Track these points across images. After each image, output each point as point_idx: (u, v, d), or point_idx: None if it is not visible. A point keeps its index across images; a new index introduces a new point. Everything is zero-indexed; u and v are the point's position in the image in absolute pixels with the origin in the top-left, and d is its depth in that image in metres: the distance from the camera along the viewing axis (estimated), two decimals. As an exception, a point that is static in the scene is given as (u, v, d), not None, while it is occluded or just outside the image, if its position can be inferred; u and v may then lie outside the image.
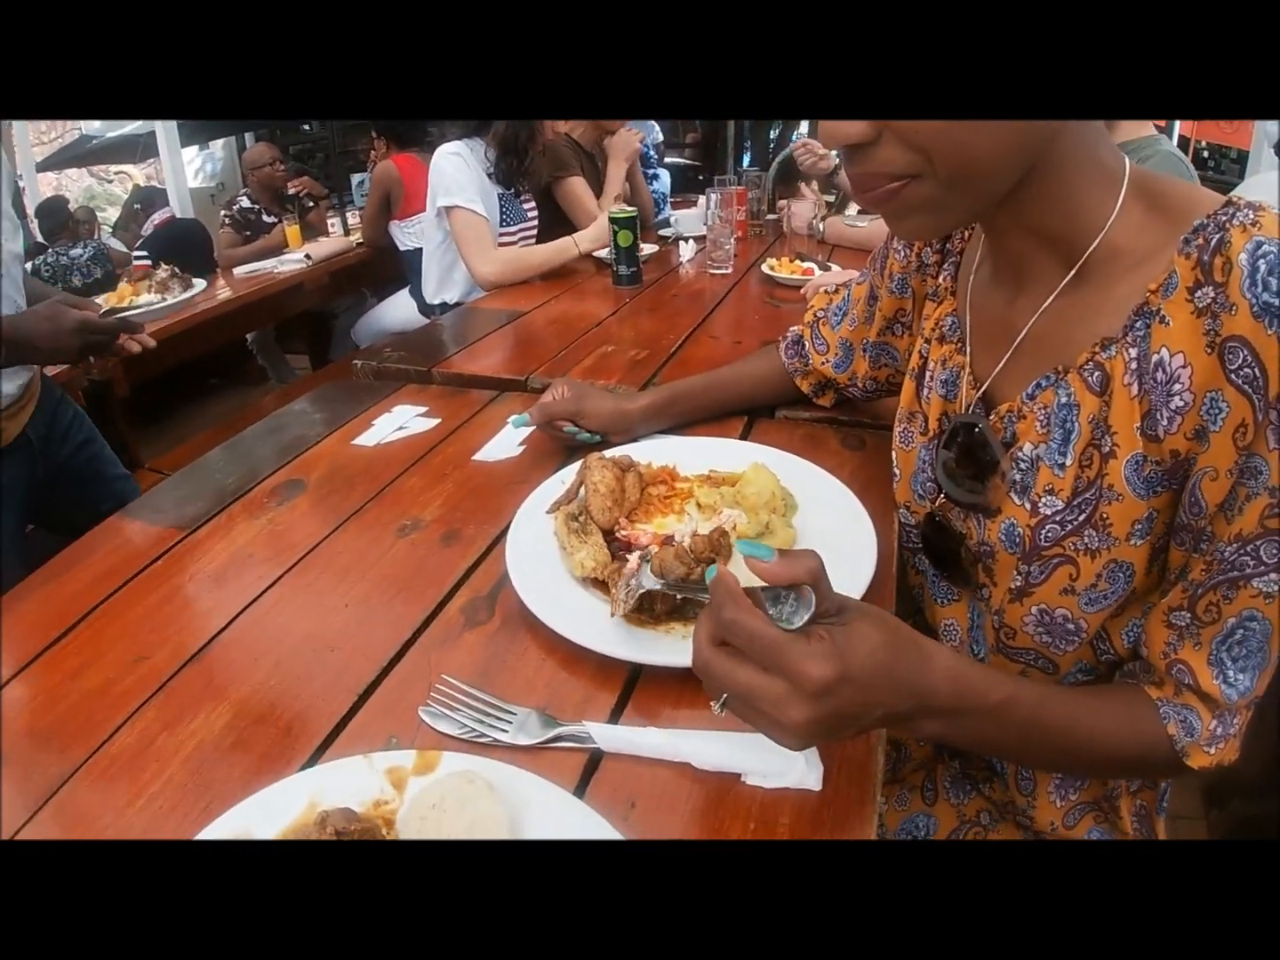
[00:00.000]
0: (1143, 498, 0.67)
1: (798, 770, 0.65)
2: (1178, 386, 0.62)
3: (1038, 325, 0.74)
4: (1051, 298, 0.72)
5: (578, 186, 2.76)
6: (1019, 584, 0.76)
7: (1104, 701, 0.72)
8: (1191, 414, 0.62)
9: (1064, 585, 0.73)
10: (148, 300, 1.59)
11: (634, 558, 0.81)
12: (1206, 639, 0.67)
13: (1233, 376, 0.59)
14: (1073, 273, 0.70)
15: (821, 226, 2.43)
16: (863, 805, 0.64)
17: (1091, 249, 0.68)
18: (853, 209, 2.77)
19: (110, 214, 8.14)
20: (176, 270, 1.62)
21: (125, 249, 4.97)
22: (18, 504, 1.64)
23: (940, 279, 0.91)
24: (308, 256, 3.89)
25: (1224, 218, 0.61)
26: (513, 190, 2.55)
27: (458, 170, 2.37)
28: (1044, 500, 0.72)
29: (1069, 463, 0.70)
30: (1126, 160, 0.69)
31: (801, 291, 1.94)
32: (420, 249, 3.71)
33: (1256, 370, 0.58)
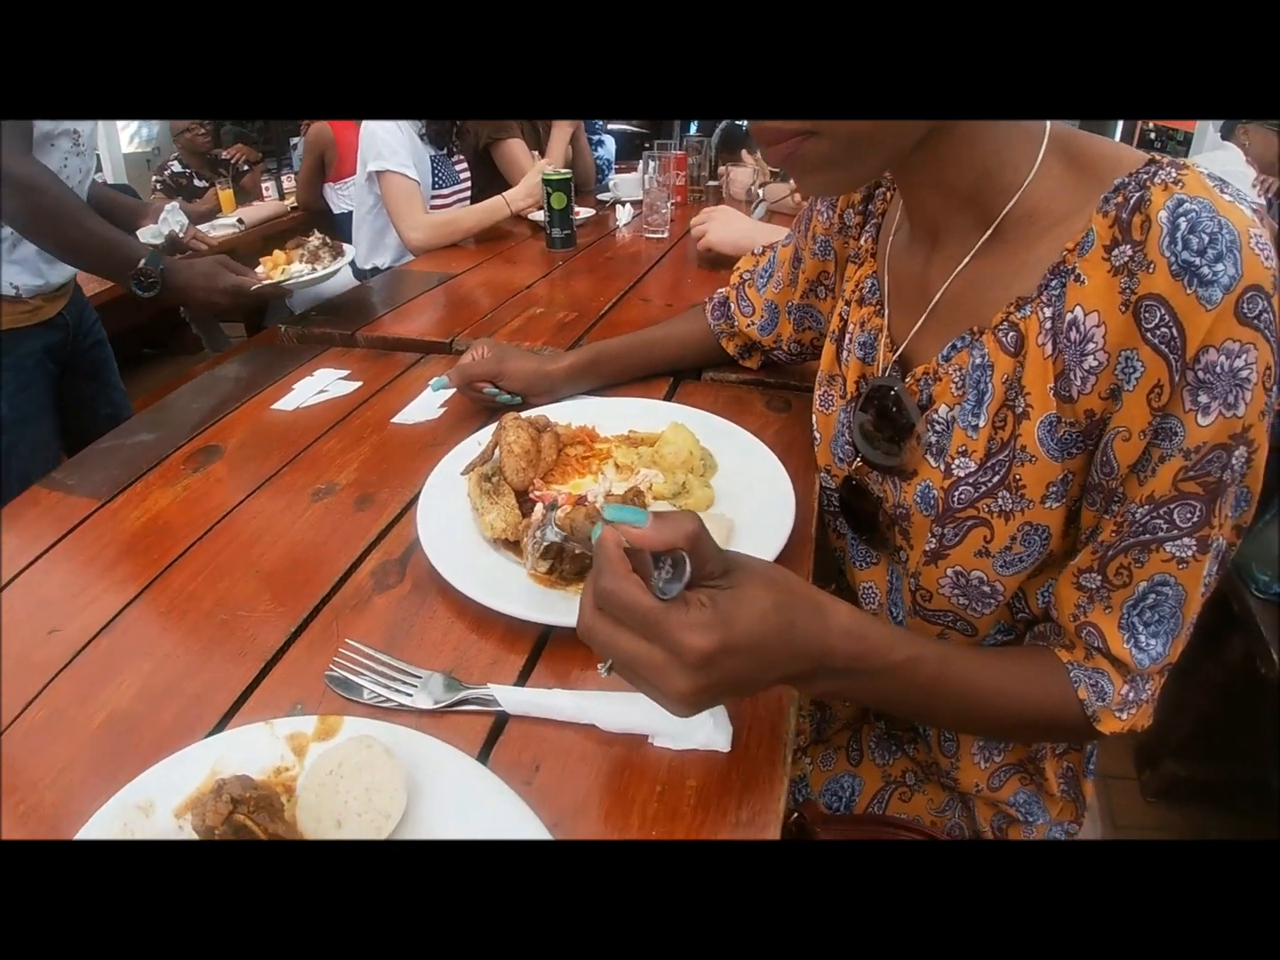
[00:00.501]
0: (1056, 459, 0.66)
1: (705, 731, 0.65)
2: (1091, 346, 0.61)
3: (953, 286, 0.73)
4: (968, 258, 0.71)
5: (516, 149, 2.71)
6: (933, 546, 0.76)
7: (1014, 663, 0.72)
8: (1106, 373, 0.61)
9: (978, 547, 0.73)
10: (298, 269, 1.59)
11: (539, 509, 0.80)
12: (1117, 603, 0.66)
13: (1148, 336, 0.58)
14: (989, 232, 0.69)
15: (761, 193, 2.41)
16: (773, 767, 0.64)
17: (1008, 208, 0.67)
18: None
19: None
20: (327, 240, 1.61)
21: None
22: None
23: (861, 241, 0.91)
24: (240, 221, 3.79)
25: (1145, 176, 0.60)
26: (445, 151, 2.50)
27: (389, 133, 2.32)
28: (957, 462, 0.72)
29: (982, 424, 0.70)
30: (1047, 120, 0.68)
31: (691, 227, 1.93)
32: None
33: (1174, 330, 0.57)
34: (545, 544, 0.76)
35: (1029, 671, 0.71)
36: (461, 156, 2.61)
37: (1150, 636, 0.66)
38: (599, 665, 0.55)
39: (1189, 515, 0.61)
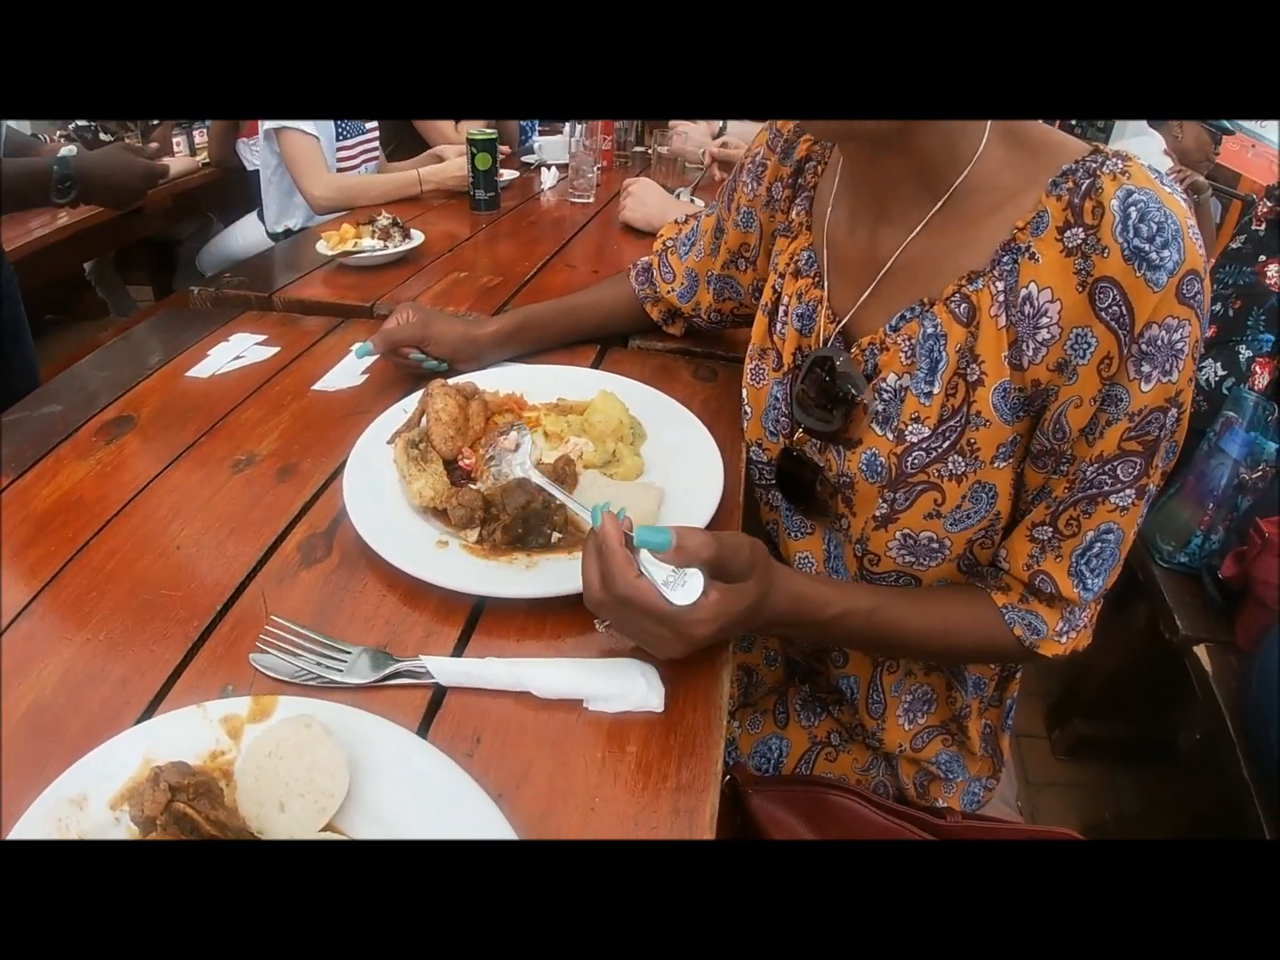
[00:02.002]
0: (1008, 423, 0.71)
1: (639, 692, 0.67)
2: (1045, 320, 0.67)
3: (901, 258, 0.76)
4: (917, 230, 0.74)
5: None
6: (884, 511, 0.79)
7: (948, 607, 0.80)
8: (1056, 347, 0.67)
9: (929, 510, 0.77)
10: (370, 244, 1.57)
11: (513, 433, 0.81)
12: (1067, 551, 0.73)
13: (1102, 314, 0.64)
14: (939, 205, 0.72)
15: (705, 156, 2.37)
16: (709, 730, 0.66)
17: (958, 182, 0.71)
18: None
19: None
20: (398, 220, 1.58)
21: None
22: None
23: (793, 214, 0.92)
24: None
25: (1094, 164, 0.65)
26: None
27: None
28: (910, 428, 0.75)
29: (936, 391, 0.73)
30: None
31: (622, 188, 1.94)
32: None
33: (1124, 309, 0.63)
34: (508, 477, 0.79)
35: (964, 615, 0.79)
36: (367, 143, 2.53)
37: (1094, 577, 0.74)
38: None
39: (1130, 470, 0.69)
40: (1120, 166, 0.65)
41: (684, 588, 0.63)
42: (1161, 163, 3.24)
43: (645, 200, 1.83)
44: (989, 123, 0.70)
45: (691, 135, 2.42)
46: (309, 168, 2.23)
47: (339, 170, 2.43)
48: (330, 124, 2.37)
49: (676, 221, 1.22)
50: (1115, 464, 0.69)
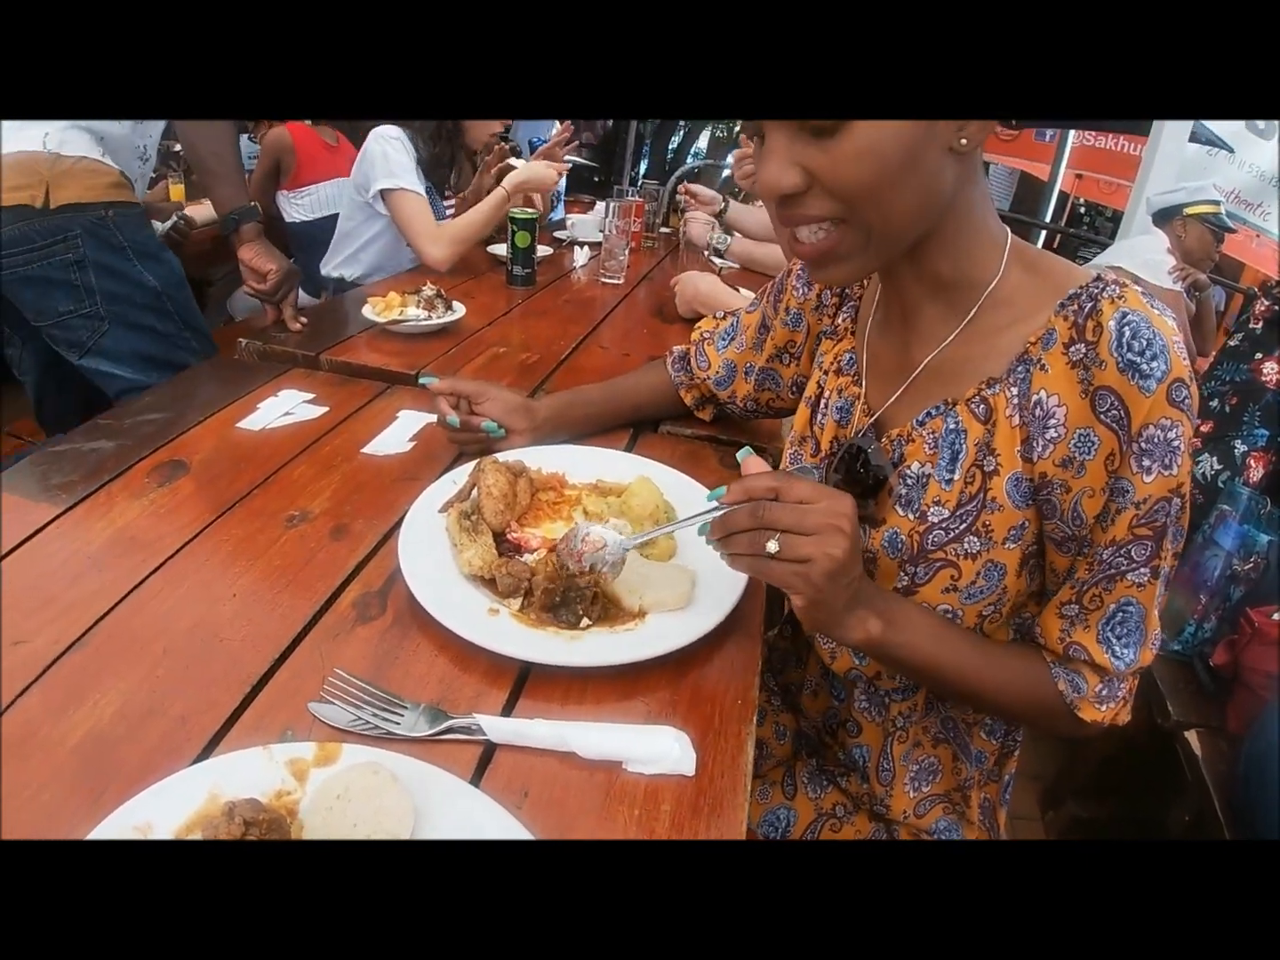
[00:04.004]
0: (1019, 508, 0.81)
1: (673, 757, 0.73)
2: (1053, 421, 0.76)
3: (929, 364, 0.86)
4: (947, 341, 0.84)
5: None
6: (904, 584, 0.87)
7: (1008, 645, 0.88)
8: (1062, 445, 0.76)
9: (946, 585, 0.85)
10: (415, 314, 1.64)
11: (590, 535, 0.88)
12: (1093, 622, 0.81)
13: (1102, 417, 0.73)
14: (964, 322, 0.83)
15: (723, 241, 2.49)
16: (735, 794, 0.72)
17: (982, 300, 0.81)
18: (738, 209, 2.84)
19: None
20: (441, 292, 1.67)
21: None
22: None
23: (839, 319, 1.02)
24: (184, 218, 3.72)
25: (1096, 290, 0.75)
26: (441, 191, 2.54)
27: (399, 153, 2.32)
28: (931, 510, 0.84)
29: (956, 478, 0.83)
30: (1007, 229, 0.83)
31: (671, 284, 2.04)
32: (309, 222, 3.62)
33: (1121, 412, 0.72)
34: (616, 564, 0.88)
35: (1019, 658, 0.87)
36: (451, 194, 2.63)
37: (1123, 646, 0.81)
38: (769, 543, 0.72)
39: (1143, 551, 0.77)
40: (1118, 292, 0.74)
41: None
42: (1165, 261, 3.34)
43: (699, 287, 1.93)
44: (1007, 251, 0.81)
45: (694, 230, 2.55)
46: (424, 224, 2.30)
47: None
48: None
49: (715, 317, 1.31)
50: (1129, 547, 0.77)
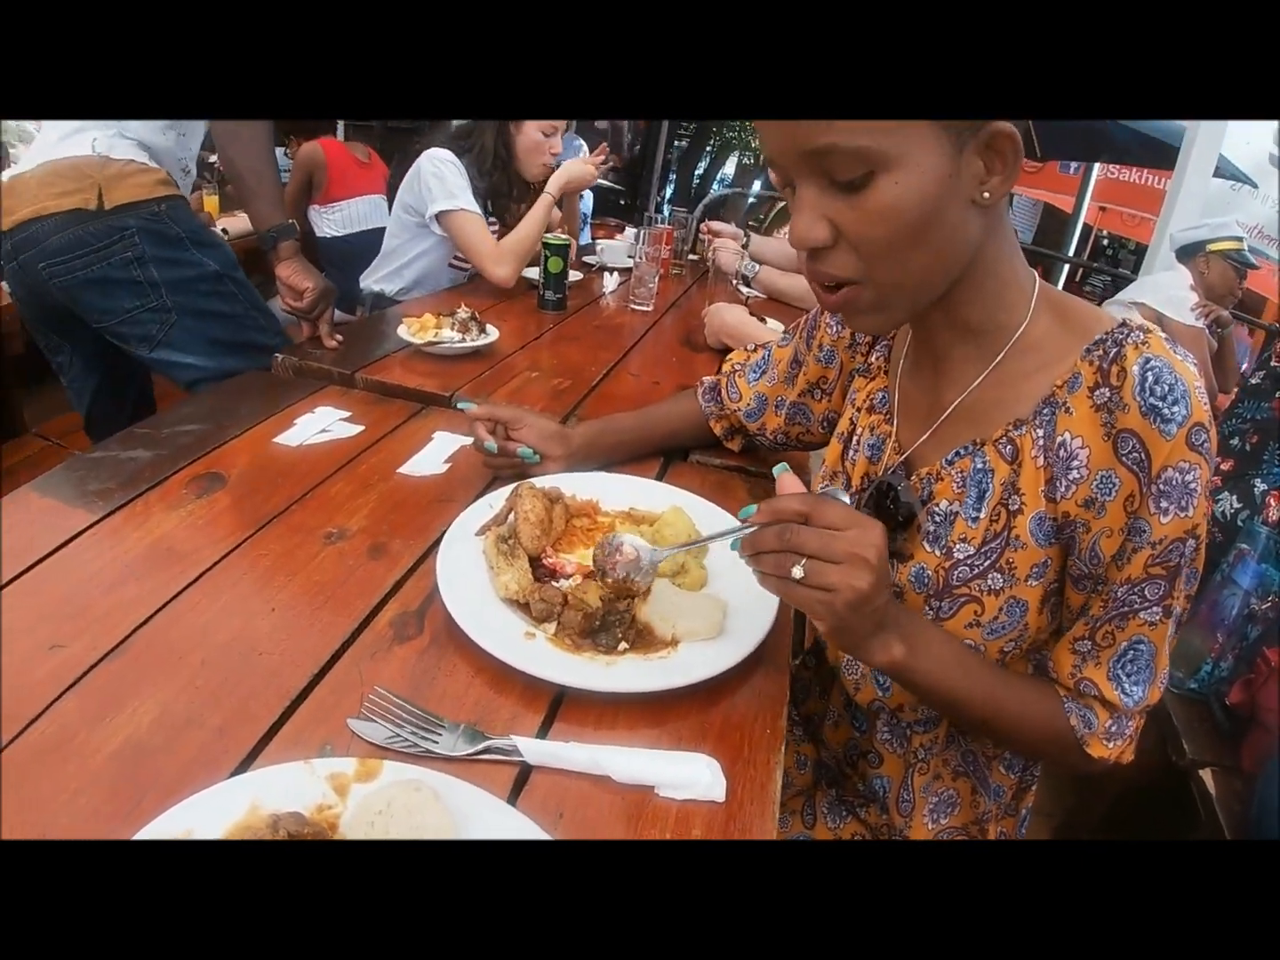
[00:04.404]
0: (1041, 546, 0.82)
1: (704, 783, 0.74)
2: (1076, 463, 0.78)
3: (958, 406, 0.88)
4: (975, 384, 0.86)
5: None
6: (930, 618, 0.89)
7: (1025, 677, 0.90)
8: (1084, 485, 0.78)
9: (969, 620, 0.87)
10: (450, 336, 1.68)
11: (625, 547, 0.90)
12: (1105, 659, 0.83)
13: (1124, 459, 0.75)
14: (994, 364, 0.85)
15: (751, 269, 2.52)
16: (764, 820, 0.74)
17: (1009, 346, 0.84)
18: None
19: (20, 151, 7.69)
20: (476, 315, 1.70)
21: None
22: None
23: (872, 358, 1.05)
24: (225, 231, 3.78)
25: (1121, 335, 0.77)
26: (499, 218, 2.59)
27: (456, 175, 2.36)
28: (958, 546, 0.86)
29: (982, 516, 0.85)
30: (1035, 275, 0.85)
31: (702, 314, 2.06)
32: (340, 237, 3.68)
33: (1142, 454, 0.74)
34: (648, 571, 0.91)
35: (1034, 689, 0.88)
36: (495, 221, 2.67)
37: (1132, 684, 0.83)
38: (794, 568, 0.73)
39: (1156, 590, 0.78)
40: (1141, 337, 0.76)
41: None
42: (1188, 297, 3.35)
43: (727, 319, 1.95)
44: (1035, 297, 0.84)
45: (723, 259, 2.57)
46: (487, 247, 2.35)
47: (451, 265, 2.61)
48: None
49: (746, 349, 1.33)
50: (1143, 585, 0.78)
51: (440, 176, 2.35)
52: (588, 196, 4.11)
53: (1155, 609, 0.80)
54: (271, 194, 1.75)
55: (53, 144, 1.67)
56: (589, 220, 3.91)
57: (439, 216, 2.38)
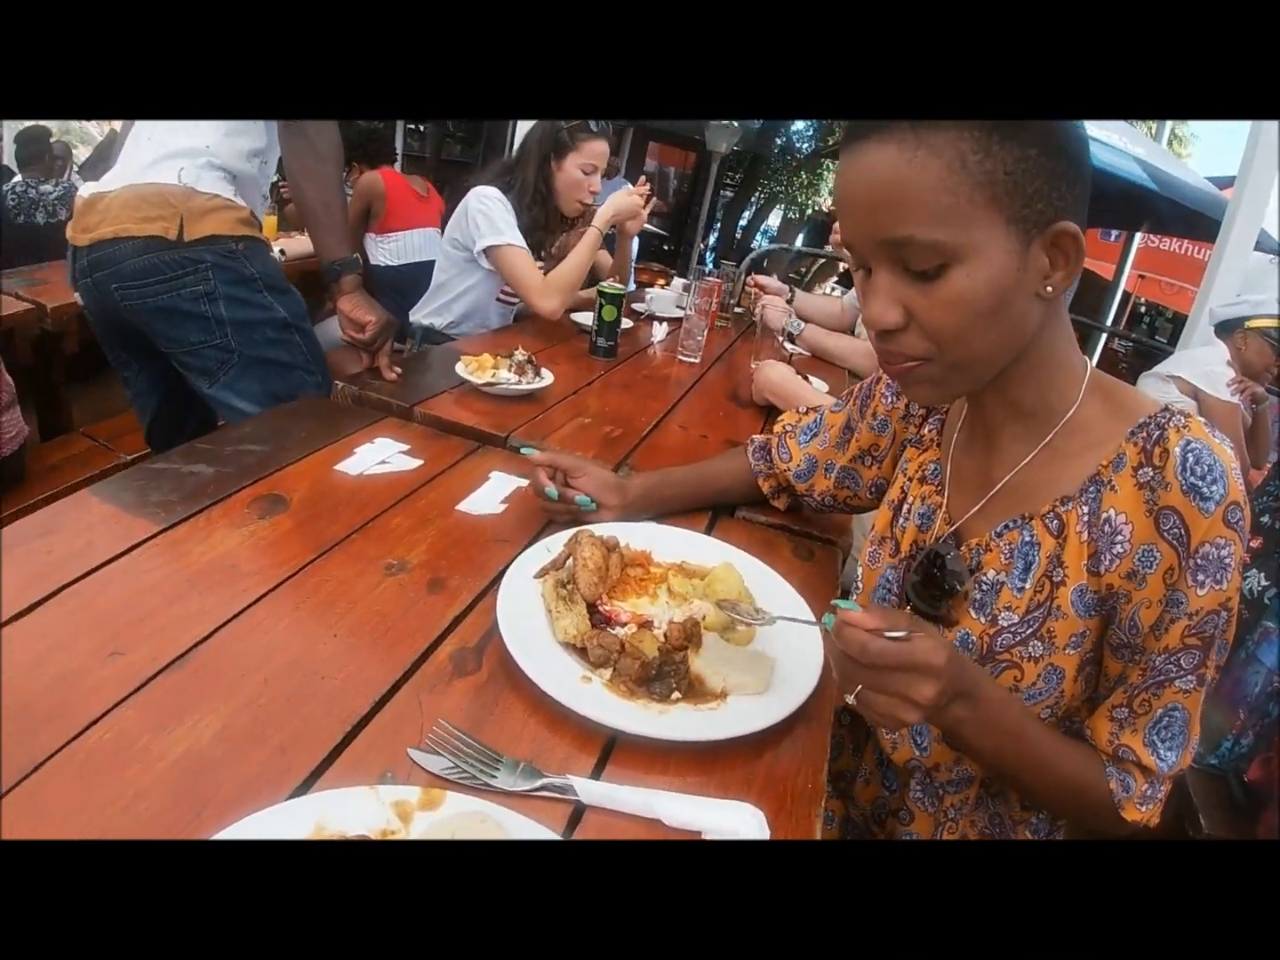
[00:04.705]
0: (1081, 617, 0.86)
1: (749, 830, 0.76)
2: (1120, 538, 0.82)
3: (1008, 481, 0.92)
4: (1025, 462, 0.91)
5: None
6: None
7: (1071, 744, 0.91)
8: (1127, 559, 0.82)
9: (1009, 684, 0.90)
10: (506, 377, 1.74)
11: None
12: (1141, 726, 0.86)
13: (1165, 534, 0.79)
14: (1043, 443, 0.89)
15: (797, 326, 2.56)
16: None
17: (1059, 426, 0.88)
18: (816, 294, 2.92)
19: (81, 153, 7.90)
20: (532, 358, 1.76)
21: (89, 194, 4.84)
22: None
23: (925, 430, 1.09)
24: (282, 252, 3.87)
25: (1163, 419, 0.82)
26: (537, 254, 2.64)
27: (503, 211, 2.43)
28: (1003, 614, 0.90)
29: (1028, 587, 0.89)
30: (1087, 361, 0.89)
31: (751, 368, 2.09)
32: (394, 267, 3.76)
33: (1182, 530, 0.79)
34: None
35: (1080, 751, 0.90)
36: (545, 257, 2.73)
37: (1167, 750, 0.86)
38: (847, 696, 0.76)
39: (1191, 660, 0.82)
40: (1183, 421, 0.81)
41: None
42: (1224, 373, 3.36)
43: (773, 377, 1.99)
44: (1085, 382, 0.88)
45: (771, 316, 2.61)
46: (533, 281, 2.41)
47: (499, 300, 2.66)
48: None
49: (798, 411, 1.37)
50: (1179, 655, 0.82)
51: (487, 213, 2.43)
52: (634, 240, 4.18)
53: (1190, 677, 0.83)
54: (339, 228, 1.80)
55: (140, 168, 1.71)
56: (633, 264, 3.98)
57: (487, 251, 2.44)
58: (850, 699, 0.76)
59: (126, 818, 0.66)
